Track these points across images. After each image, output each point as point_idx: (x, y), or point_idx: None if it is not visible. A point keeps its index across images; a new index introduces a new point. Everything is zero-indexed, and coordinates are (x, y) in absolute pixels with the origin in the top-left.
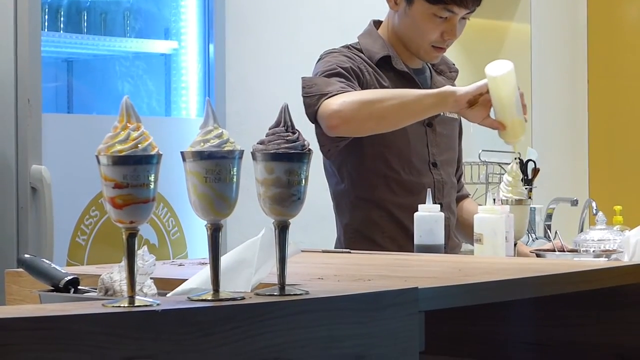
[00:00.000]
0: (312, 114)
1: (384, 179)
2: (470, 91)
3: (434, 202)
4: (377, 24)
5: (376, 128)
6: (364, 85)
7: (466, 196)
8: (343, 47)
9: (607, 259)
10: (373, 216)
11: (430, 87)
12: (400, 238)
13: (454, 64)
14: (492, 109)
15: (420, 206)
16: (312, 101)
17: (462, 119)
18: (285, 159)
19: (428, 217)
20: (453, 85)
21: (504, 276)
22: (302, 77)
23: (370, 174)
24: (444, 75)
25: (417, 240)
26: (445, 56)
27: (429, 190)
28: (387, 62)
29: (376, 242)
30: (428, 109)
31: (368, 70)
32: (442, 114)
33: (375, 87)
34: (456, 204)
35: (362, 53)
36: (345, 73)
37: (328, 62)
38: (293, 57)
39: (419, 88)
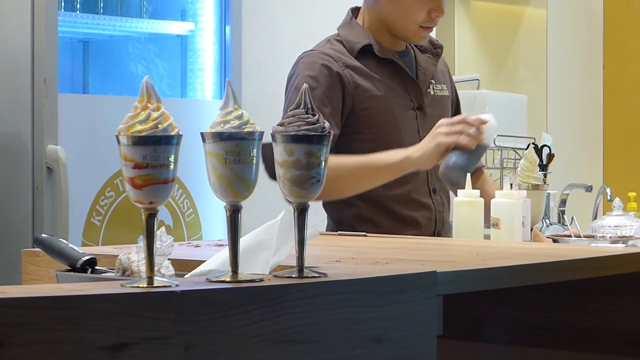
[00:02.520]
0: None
1: None
2: (431, 158)
3: (428, 188)
4: (355, 12)
5: (335, 198)
6: (346, 89)
7: (479, 170)
8: (325, 41)
9: (624, 245)
10: (367, 212)
11: (416, 68)
12: (397, 230)
13: (437, 40)
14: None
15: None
16: (270, 173)
17: (458, 94)
18: (306, 141)
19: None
20: (438, 62)
21: (522, 261)
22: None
23: None
24: (428, 53)
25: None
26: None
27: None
28: (369, 50)
29: None
30: (389, 179)
31: (349, 65)
32: (432, 93)
33: (357, 84)
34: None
35: (344, 45)
36: (326, 77)
37: (305, 71)
38: (309, 38)
39: (404, 72)
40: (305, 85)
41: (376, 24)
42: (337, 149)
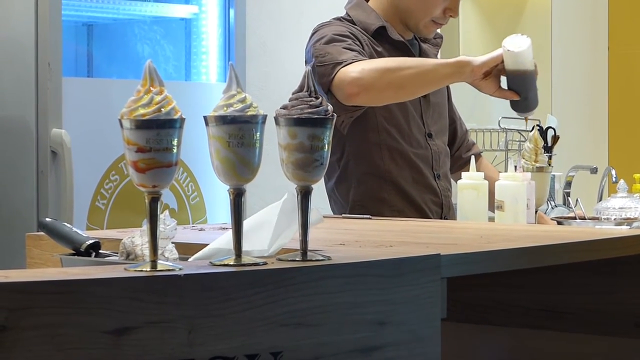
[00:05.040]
0: (327, 84)
1: (389, 152)
2: (487, 62)
3: (433, 173)
4: None
5: (394, 97)
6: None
7: (478, 155)
8: (334, 19)
9: (628, 227)
10: (379, 191)
11: (419, 57)
12: (408, 211)
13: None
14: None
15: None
16: (326, 70)
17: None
18: (309, 124)
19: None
20: (438, 51)
21: (526, 243)
22: (313, 46)
23: (375, 147)
24: (429, 43)
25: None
26: None
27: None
28: (381, 33)
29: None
30: (445, 78)
31: (365, 41)
32: None
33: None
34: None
35: (355, 25)
36: (353, 36)
37: (331, 30)
38: (314, 21)
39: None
40: (307, 68)
41: (390, 10)
42: (350, 125)
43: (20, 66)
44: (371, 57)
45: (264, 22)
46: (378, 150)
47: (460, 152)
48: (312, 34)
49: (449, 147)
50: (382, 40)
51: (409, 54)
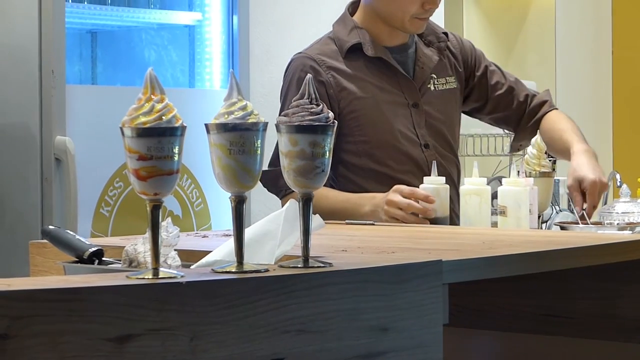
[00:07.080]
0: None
1: (375, 175)
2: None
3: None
4: (353, 6)
5: None
6: (330, 95)
7: (542, 104)
8: (319, 40)
9: (631, 232)
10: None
11: (415, 63)
12: None
13: (443, 32)
14: None
15: (425, 178)
16: (271, 190)
17: (487, 70)
18: (310, 131)
19: (432, 189)
20: (443, 55)
21: (528, 249)
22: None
23: (358, 171)
24: (432, 47)
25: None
26: (434, 24)
27: (434, 163)
28: (359, 48)
29: None
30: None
31: (334, 68)
32: (432, 88)
33: (341, 87)
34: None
35: (336, 43)
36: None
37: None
38: (317, 27)
39: (393, 70)
40: (309, 76)
41: (372, 18)
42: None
43: (24, 74)
44: (334, 81)
45: (267, 29)
46: (362, 173)
47: (526, 120)
48: (288, 66)
49: (517, 122)
50: (358, 57)
51: (388, 67)
